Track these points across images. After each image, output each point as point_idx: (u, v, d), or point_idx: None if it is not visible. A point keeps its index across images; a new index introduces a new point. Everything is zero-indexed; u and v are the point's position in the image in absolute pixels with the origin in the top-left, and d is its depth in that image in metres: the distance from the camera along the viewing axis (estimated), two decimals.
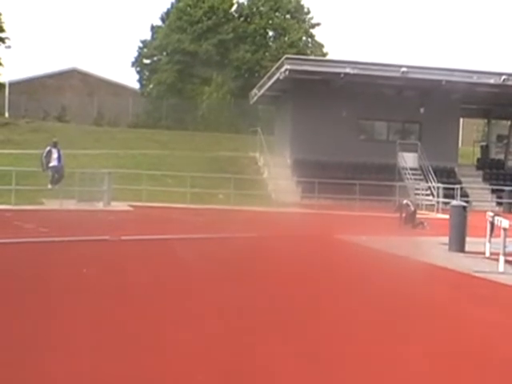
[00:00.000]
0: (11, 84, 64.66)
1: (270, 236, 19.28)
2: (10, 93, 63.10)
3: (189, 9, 69.08)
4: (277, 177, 37.56)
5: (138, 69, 72.47)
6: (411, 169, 40.29)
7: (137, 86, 72.51)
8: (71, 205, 26.47)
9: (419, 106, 41.68)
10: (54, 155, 29.12)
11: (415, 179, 39.30)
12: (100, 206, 27.45)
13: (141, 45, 72.01)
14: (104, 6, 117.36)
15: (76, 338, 7.21)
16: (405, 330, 8.41)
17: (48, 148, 29.26)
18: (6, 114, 59.83)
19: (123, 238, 16.54)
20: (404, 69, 38.81)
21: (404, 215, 24.67)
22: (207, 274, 12.12)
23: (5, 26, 66.37)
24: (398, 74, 38.81)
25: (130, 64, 72.48)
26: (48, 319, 8.05)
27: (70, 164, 29.73)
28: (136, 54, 72.20)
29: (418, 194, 37.33)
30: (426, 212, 32.36)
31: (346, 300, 10.46)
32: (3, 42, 66.45)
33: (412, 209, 24.96)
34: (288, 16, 72.31)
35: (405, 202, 25.53)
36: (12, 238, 15.55)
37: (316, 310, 9.47)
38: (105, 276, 11.51)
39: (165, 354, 6.68)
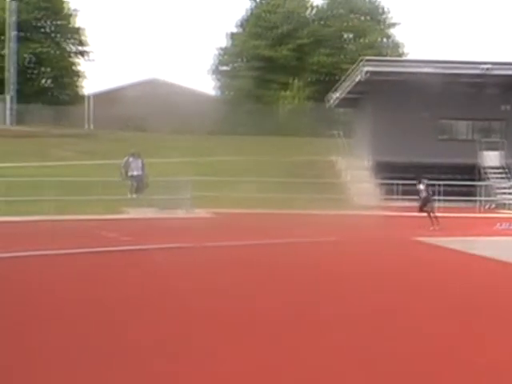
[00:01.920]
0: (93, 96, 65.89)
1: (356, 240, 19.09)
2: (92, 105, 64.26)
3: (266, 15, 69.27)
4: (357, 180, 37.27)
5: (216, 76, 72.98)
6: (494, 168, 39.45)
7: (215, 93, 73.05)
8: (154, 213, 26.75)
9: (502, 102, 40.82)
10: (135, 165, 29.47)
11: (499, 178, 38.46)
12: (182, 213, 27.65)
13: (219, 52, 72.52)
14: (182, 15, 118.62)
15: None
16: None
17: (127, 158, 29.67)
18: (89, 126, 60.95)
19: (207, 244, 16.65)
20: (488, 65, 38.09)
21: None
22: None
23: (88, 40, 67.97)
24: (479, 72, 38.10)
25: (208, 71, 73.13)
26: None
27: (151, 172, 30.02)
28: (214, 61, 72.77)
29: (503, 193, 36.54)
30: (510, 211, 31.64)
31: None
32: (86, 56, 68.01)
33: (424, 194, 25.11)
34: (365, 17, 71.88)
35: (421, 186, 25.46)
36: (101, 247, 15.84)
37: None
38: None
39: None
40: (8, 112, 57.64)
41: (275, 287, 11.23)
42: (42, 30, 66.06)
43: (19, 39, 60.13)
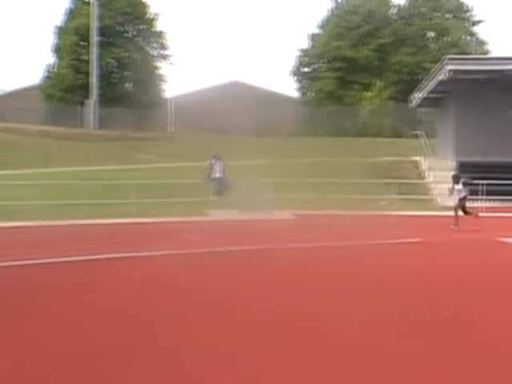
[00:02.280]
0: (175, 99, 66.55)
1: (441, 241, 18.76)
2: (173, 108, 64.91)
3: (347, 15, 68.82)
4: (440, 180, 36.58)
5: (298, 77, 72.80)
6: None
7: (296, 94, 72.91)
8: (235, 215, 26.74)
9: None
10: (217, 167, 29.59)
11: None
12: (263, 215, 27.55)
13: (300, 54, 72.33)
14: (263, 17, 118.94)
15: None
16: None
17: (210, 160, 29.80)
18: (171, 129, 61.54)
19: (291, 246, 16.58)
20: None
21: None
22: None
23: (169, 44, 68.64)
24: None
25: (290, 73, 72.98)
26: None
27: (232, 175, 30.07)
28: (295, 62, 72.60)
29: None
30: None
31: None
32: (168, 60, 68.64)
33: (463, 194, 23.89)
34: (449, 15, 70.79)
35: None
36: (185, 249, 15.90)
37: None
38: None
39: None
40: (91, 116, 58.64)
41: (373, 289, 11.08)
42: (125, 34, 66.94)
43: (102, 44, 61.11)
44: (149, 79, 65.35)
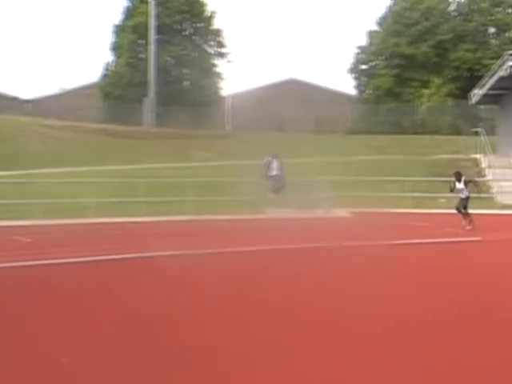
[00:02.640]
0: (232, 97, 66.68)
1: (503, 240, 18.45)
2: (231, 105, 65.04)
3: (405, 11, 68.12)
4: (501, 178, 35.99)
5: (355, 75, 72.31)
6: None
7: (354, 92, 72.45)
8: (293, 213, 26.65)
9: None
10: (274, 165, 29.50)
11: None
12: (321, 213, 27.40)
13: (357, 51, 71.82)
14: (320, 14, 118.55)
15: None
16: None
17: (267, 158, 29.71)
18: (228, 126, 61.64)
19: (349, 244, 16.49)
20: None
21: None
22: None
23: (226, 42, 68.73)
24: None
25: (347, 70, 72.52)
26: None
27: (289, 173, 29.95)
28: (353, 60, 72.13)
29: None
30: None
31: None
32: (225, 58, 68.75)
33: (466, 194, 22.93)
34: (510, 10, 69.60)
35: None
36: (245, 246, 16.07)
37: None
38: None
39: None
40: (149, 114, 59.04)
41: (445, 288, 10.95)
42: (183, 32, 67.20)
43: (160, 42, 61.46)
44: (206, 77, 65.49)
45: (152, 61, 59.72)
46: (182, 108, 59.23)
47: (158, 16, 60.83)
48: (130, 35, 64.64)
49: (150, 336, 7.95)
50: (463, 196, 22.89)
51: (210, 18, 68.24)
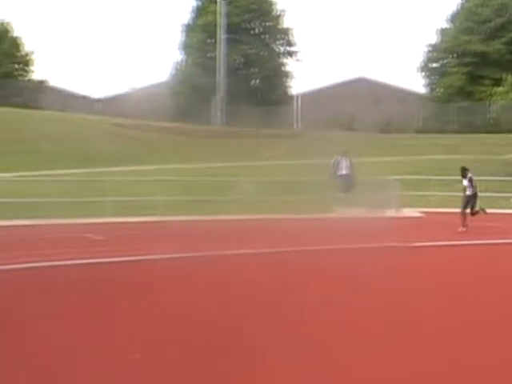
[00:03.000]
0: (302, 96, 66.53)
1: None
2: (300, 104, 64.87)
3: (477, 8, 66.96)
4: None
5: (426, 73, 71.36)
6: None
7: (424, 90, 71.49)
8: (362, 212, 26.34)
9: None
10: (343, 164, 29.21)
11: None
12: (390, 212, 27.05)
13: (428, 49, 70.84)
14: (391, 12, 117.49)
15: None
16: None
17: (336, 157, 29.44)
18: (297, 125, 61.50)
19: (416, 244, 16.23)
20: None
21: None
22: None
23: (295, 41, 68.63)
24: None
25: (417, 69, 71.58)
26: None
27: (358, 171, 29.64)
28: (423, 58, 71.16)
29: None
30: None
31: None
32: (294, 56, 68.67)
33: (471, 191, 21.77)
34: None
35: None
36: (312, 245, 16.09)
37: None
38: None
39: None
40: (218, 113, 59.23)
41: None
42: (252, 31, 67.29)
43: (229, 42, 61.62)
44: (275, 76, 65.51)
45: (221, 60, 59.92)
46: (250, 107, 59.31)
47: (227, 15, 60.99)
48: (199, 34, 65.00)
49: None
50: (469, 193, 21.89)
51: (279, 16, 68.23)
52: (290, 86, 69.12)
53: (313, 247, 15.95)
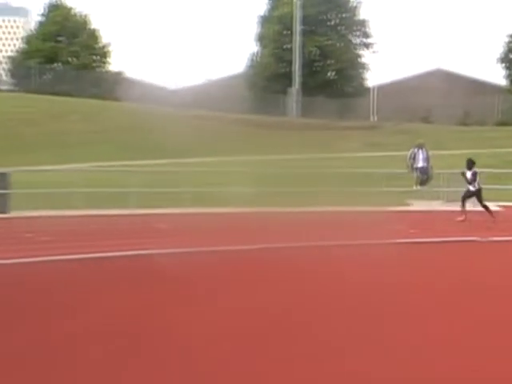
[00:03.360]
0: (378, 87, 66.01)
1: None
2: (376, 96, 64.37)
3: None
4: None
5: (506, 64, 69.97)
6: None
7: (504, 82, 70.13)
8: (438, 206, 26.00)
9: None
10: (420, 156, 28.84)
11: None
12: (467, 206, 26.60)
13: (508, 39, 69.44)
14: (468, 3, 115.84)
15: None
16: None
17: (413, 149, 29.08)
18: (373, 118, 61.05)
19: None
20: None
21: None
22: None
23: (371, 32, 68.13)
24: None
25: (496, 60, 70.25)
26: None
27: (436, 164, 29.21)
28: (503, 49, 69.77)
29: None
30: None
31: None
32: (370, 48, 68.17)
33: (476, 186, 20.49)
34: None
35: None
36: (389, 239, 15.91)
37: None
38: None
39: None
40: (293, 105, 59.14)
41: None
42: (328, 23, 67.02)
43: (305, 33, 61.46)
44: (351, 68, 65.16)
45: (297, 51, 59.76)
46: (326, 99, 59.14)
47: (303, 6, 60.79)
48: (275, 26, 65.00)
49: None
50: (472, 188, 20.66)
51: (356, 8, 67.84)
52: (366, 78, 68.78)
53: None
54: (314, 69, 64.02)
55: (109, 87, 63.18)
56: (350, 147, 41.64)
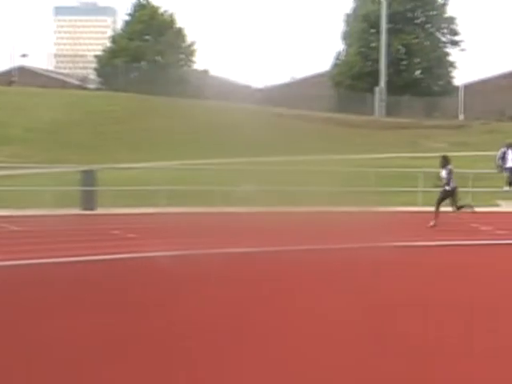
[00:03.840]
0: (465, 86, 64.92)
1: None
2: (464, 95, 63.33)
3: None
4: None
5: None
6: None
7: None
8: None
9: None
10: (510, 156, 28.20)
11: None
12: None
13: None
14: None
15: None
16: None
17: (503, 149, 28.45)
18: (461, 117, 60.08)
19: None
20: None
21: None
22: None
23: (459, 30, 67.06)
24: None
25: None
26: None
27: None
28: None
29: None
30: None
31: None
32: (458, 46, 67.09)
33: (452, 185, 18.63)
34: None
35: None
36: (476, 240, 15.84)
37: None
38: None
39: None
40: (379, 103, 58.56)
41: None
42: (415, 21, 66.23)
43: (391, 31, 60.79)
44: (438, 66, 64.22)
45: (383, 50, 59.12)
46: (413, 98, 58.42)
47: (389, 4, 60.14)
48: (361, 24, 64.52)
49: None
50: (448, 188, 18.74)
51: (443, 5, 66.83)
52: (454, 77, 67.68)
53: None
54: (400, 67, 63.35)
55: (194, 86, 63.62)
56: (436, 147, 40.98)
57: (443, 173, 18.77)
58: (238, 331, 7.79)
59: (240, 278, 11.16)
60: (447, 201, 18.70)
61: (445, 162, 18.99)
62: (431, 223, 18.37)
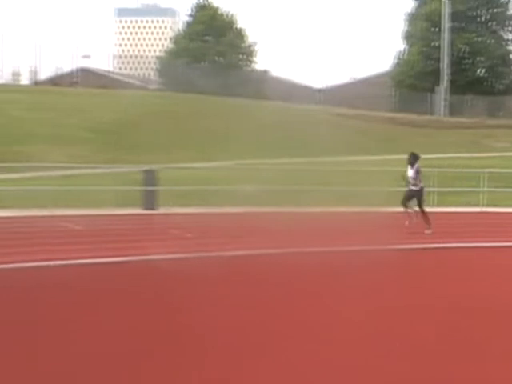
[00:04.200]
0: None
1: None
2: None
3: None
4: None
5: None
6: None
7: None
8: None
9: None
10: None
11: None
12: None
13: None
14: None
15: None
16: None
17: None
18: None
19: None
20: None
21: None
22: None
23: None
24: None
25: None
26: None
27: None
28: None
29: None
30: None
31: None
32: None
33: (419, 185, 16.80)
34: None
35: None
36: None
37: None
38: None
39: None
40: (441, 103, 57.94)
41: None
42: (478, 19, 65.35)
43: (454, 30, 60.10)
44: (503, 64, 63.27)
45: (445, 49, 58.47)
46: (476, 97, 57.63)
47: (452, 3, 59.46)
48: (423, 23, 63.94)
49: None
50: (415, 188, 16.83)
51: (508, 2, 65.79)
52: None
53: None
54: (463, 66, 62.55)
55: (254, 86, 63.73)
56: (501, 147, 40.43)
57: (410, 172, 16.98)
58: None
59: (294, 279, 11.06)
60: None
61: (413, 159, 17.07)
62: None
